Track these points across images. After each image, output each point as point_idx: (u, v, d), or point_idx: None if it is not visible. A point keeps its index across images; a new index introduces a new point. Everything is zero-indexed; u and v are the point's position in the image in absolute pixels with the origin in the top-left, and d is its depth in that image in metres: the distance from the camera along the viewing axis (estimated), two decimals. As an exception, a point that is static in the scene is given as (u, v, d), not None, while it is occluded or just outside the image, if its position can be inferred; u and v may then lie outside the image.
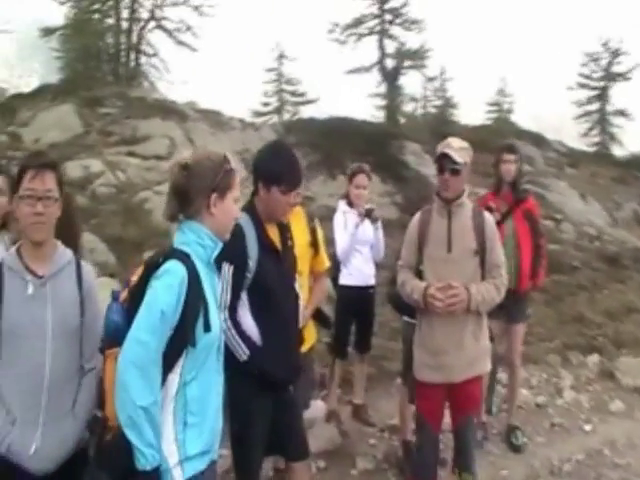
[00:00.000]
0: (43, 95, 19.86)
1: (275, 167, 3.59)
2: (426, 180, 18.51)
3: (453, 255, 4.12)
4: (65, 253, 2.93)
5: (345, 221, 5.97)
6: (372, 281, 6.16)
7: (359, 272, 6.05)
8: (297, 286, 3.82)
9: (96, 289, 3.03)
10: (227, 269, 3.43)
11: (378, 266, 6.27)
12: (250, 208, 3.65)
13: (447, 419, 4.35)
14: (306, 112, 35.12)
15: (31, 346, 2.71)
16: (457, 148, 4.11)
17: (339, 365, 6.32)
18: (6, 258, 2.81)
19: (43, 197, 2.72)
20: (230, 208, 2.74)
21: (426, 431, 4.32)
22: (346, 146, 18.36)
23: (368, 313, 6.24)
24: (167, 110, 18.52)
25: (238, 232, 3.33)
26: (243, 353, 3.45)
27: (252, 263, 3.50)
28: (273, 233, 3.67)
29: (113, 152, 14.82)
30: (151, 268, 2.59)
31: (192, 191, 2.66)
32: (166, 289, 2.49)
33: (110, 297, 2.76)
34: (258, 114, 37.34)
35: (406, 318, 5.07)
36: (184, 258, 2.57)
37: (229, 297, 3.46)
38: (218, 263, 2.97)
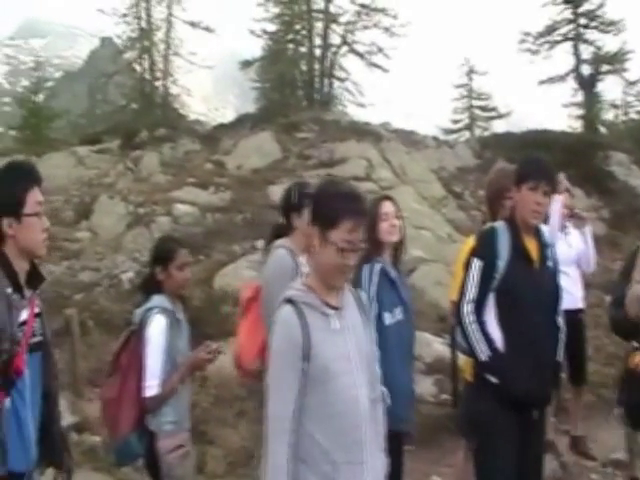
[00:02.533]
0: (243, 124, 20.80)
1: (521, 166, 3.70)
2: (635, 192, 17.17)
3: None
4: None
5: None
6: (581, 304, 5.69)
7: (567, 294, 5.40)
8: (559, 320, 3.74)
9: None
10: (475, 264, 3.52)
11: (587, 285, 5.69)
12: (510, 216, 3.68)
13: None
14: (498, 127, 34.08)
15: (343, 382, 2.57)
16: None
17: (553, 392, 5.75)
18: (297, 295, 2.63)
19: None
20: None
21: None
22: (545, 159, 17.38)
23: (579, 340, 5.70)
24: (362, 132, 18.58)
25: (491, 232, 3.58)
26: (482, 353, 3.42)
27: (501, 264, 3.50)
28: (531, 245, 3.61)
29: (312, 175, 14.99)
30: None
31: None
32: None
33: None
34: (448, 131, 36.82)
35: (636, 344, 4.42)
36: None
37: (474, 291, 3.50)
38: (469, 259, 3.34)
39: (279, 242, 4.04)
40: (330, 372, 2.52)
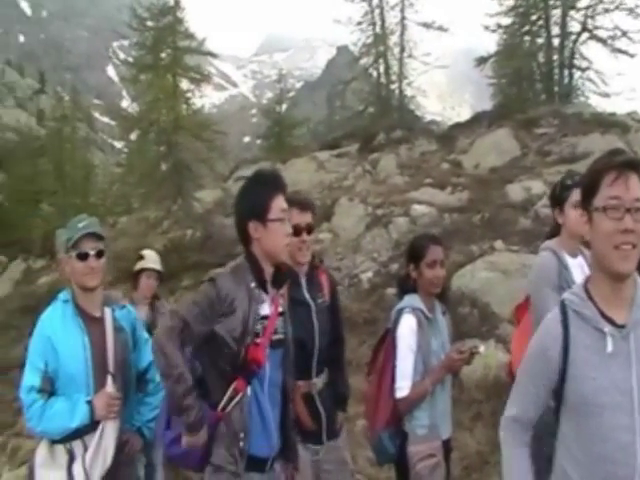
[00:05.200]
0: (479, 122, 20.49)
1: None
2: None
3: None
4: None
5: None
6: None
7: None
8: None
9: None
10: None
11: None
12: None
13: None
14: None
15: (611, 421, 2.07)
16: None
17: None
18: (570, 300, 2.21)
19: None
20: None
21: None
22: None
23: None
24: (606, 123, 17.43)
25: None
26: None
27: None
28: None
29: (553, 172, 14.36)
30: None
31: None
32: None
33: None
34: None
35: None
36: None
37: None
38: None
39: (545, 244, 3.83)
40: (591, 404, 2.06)
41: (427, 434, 3.61)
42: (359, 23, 29.94)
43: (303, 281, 3.80)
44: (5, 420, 10.25)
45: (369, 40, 30.02)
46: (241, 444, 3.02)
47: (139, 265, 5.89)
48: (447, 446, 3.77)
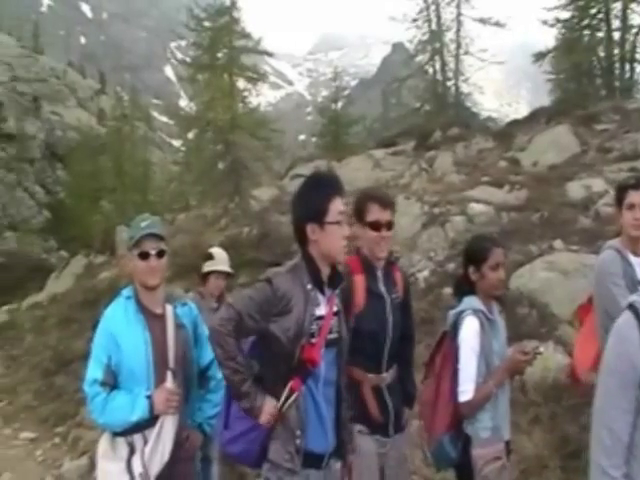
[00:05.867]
0: (537, 119, 20.12)
1: None
2: None
3: None
4: None
5: None
6: None
7: None
8: None
9: None
10: None
11: None
12: None
13: None
14: None
15: None
16: None
17: None
18: None
19: None
20: None
21: None
22: None
23: None
24: (673, 119, 16.92)
25: None
26: None
27: None
28: None
29: (614, 169, 14.02)
30: None
31: None
32: None
33: None
34: None
35: None
36: None
37: None
38: None
39: (608, 243, 3.83)
40: None
41: (490, 436, 3.58)
42: (415, 20, 29.79)
43: (380, 275, 3.85)
44: (67, 411, 10.54)
45: (425, 37, 29.85)
46: (298, 441, 3.08)
47: (209, 266, 5.87)
48: (507, 448, 3.73)
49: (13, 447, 9.87)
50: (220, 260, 5.93)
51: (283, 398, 3.07)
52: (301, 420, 3.09)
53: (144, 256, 3.64)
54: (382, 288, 3.84)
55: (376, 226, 3.76)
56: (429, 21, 29.66)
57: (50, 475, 8.53)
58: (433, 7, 29.61)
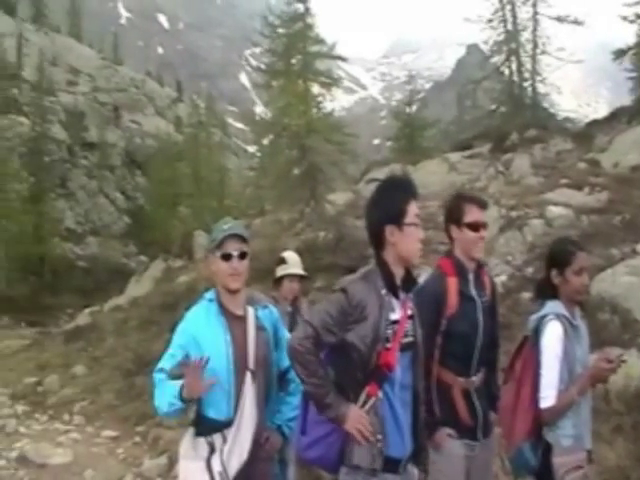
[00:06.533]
0: (618, 118, 19.60)
1: None
2: None
3: None
4: None
5: None
6: None
7: None
8: None
9: None
10: None
11: None
12: None
13: None
14: None
15: None
16: None
17: None
18: None
19: None
20: None
21: None
22: None
23: None
24: None
25: None
26: None
27: None
28: None
29: (701, 170, 13.53)
30: None
31: None
32: None
33: None
34: None
35: None
36: None
37: None
38: None
39: None
40: None
41: (572, 445, 3.51)
42: (490, 20, 29.31)
43: (471, 277, 3.88)
44: (147, 411, 10.76)
45: (500, 37, 29.32)
46: (379, 445, 3.09)
47: (282, 270, 5.89)
48: (588, 458, 3.64)
49: (95, 445, 10.14)
50: (293, 263, 5.95)
51: (360, 403, 3.10)
52: (380, 425, 3.10)
53: (226, 257, 3.68)
54: (473, 291, 3.86)
55: (475, 227, 3.84)
56: (504, 21, 29.14)
57: (130, 473, 8.71)
58: (509, 7, 29.08)
